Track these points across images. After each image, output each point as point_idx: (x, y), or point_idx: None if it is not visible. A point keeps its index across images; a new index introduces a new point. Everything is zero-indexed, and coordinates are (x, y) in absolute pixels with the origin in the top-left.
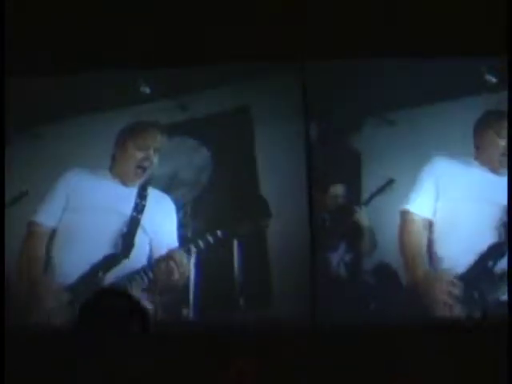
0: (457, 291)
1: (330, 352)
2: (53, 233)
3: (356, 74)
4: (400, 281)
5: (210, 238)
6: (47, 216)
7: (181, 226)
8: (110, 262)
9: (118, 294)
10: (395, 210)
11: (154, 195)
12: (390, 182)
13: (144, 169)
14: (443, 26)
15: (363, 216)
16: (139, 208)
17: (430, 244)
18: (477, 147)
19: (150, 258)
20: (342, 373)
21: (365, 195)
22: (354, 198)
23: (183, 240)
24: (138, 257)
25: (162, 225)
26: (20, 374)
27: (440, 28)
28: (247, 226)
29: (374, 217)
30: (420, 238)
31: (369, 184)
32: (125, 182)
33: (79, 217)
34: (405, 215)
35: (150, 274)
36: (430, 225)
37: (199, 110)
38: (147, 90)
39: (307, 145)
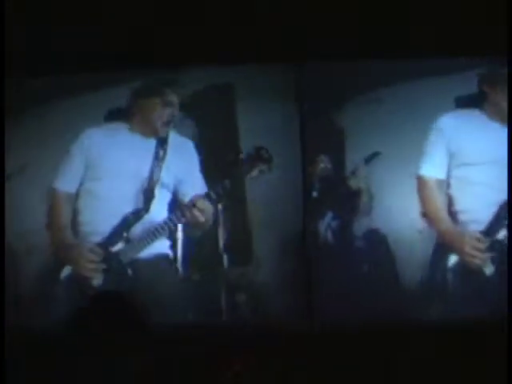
0: (482, 245)
1: (326, 348)
2: (75, 197)
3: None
4: (389, 246)
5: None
6: (67, 181)
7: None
8: (132, 218)
9: (115, 297)
10: (384, 180)
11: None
12: (376, 153)
13: (169, 124)
14: (442, 26)
15: (352, 185)
16: (159, 159)
17: (449, 203)
18: (484, 100)
19: (170, 209)
20: (336, 371)
21: (351, 167)
22: (342, 169)
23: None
24: (159, 210)
25: (182, 174)
26: (18, 374)
27: (439, 27)
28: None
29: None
30: (437, 199)
31: (356, 156)
32: (146, 136)
33: (100, 179)
34: (419, 180)
35: (171, 225)
36: (446, 185)
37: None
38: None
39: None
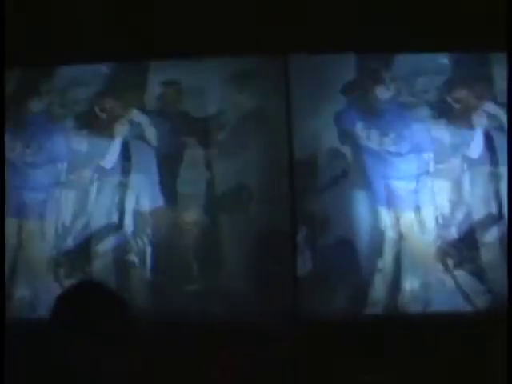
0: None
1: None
2: (43, 205)
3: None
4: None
5: None
6: (39, 188)
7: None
8: (102, 232)
9: (97, 288)
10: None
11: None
12: (344, 173)
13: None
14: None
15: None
16: (125, 169)
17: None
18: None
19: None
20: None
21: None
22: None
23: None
24: (129, 222)
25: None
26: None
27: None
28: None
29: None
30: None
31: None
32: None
33: (72, 189)
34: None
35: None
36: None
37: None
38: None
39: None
